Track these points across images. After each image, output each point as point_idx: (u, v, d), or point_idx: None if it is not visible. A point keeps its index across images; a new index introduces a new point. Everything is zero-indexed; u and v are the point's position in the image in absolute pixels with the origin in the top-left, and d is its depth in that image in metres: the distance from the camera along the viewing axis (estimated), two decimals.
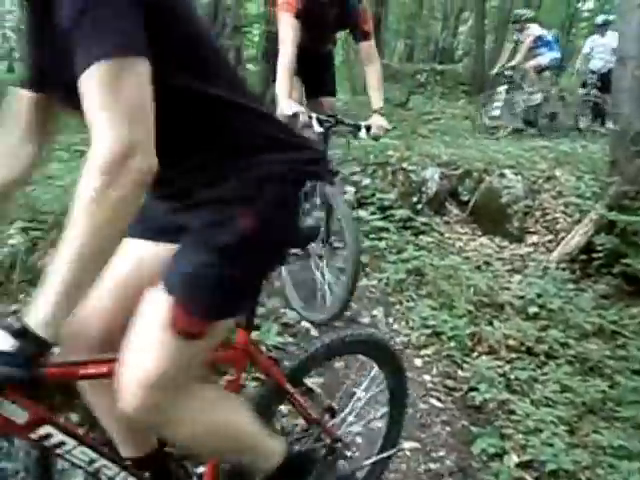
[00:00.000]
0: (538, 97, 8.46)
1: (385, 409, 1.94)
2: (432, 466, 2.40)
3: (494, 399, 2.76)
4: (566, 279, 3.92)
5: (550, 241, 4.61)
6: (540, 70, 8.78)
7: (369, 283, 3.80)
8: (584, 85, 9.05)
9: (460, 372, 3.04)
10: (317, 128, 2.93)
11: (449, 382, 2.96)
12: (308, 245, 2.93)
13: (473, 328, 3.31)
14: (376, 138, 3.25)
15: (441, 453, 2.49)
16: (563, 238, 4.41)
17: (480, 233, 4.85)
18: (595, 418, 2.73)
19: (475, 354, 3.18)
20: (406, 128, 7.77)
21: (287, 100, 2.94)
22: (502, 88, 8.58)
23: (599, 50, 8.74)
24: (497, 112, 8.51)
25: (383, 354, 1.79)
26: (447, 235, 4.68)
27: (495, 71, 9.08)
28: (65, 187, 2.37)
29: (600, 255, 3.97)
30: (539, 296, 3.63)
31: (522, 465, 2.40)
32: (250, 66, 12.22)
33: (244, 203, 1.16)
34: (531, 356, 3.17)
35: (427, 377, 2.97)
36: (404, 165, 5.06)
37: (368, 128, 3.14)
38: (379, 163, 5.07)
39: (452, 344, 3.18)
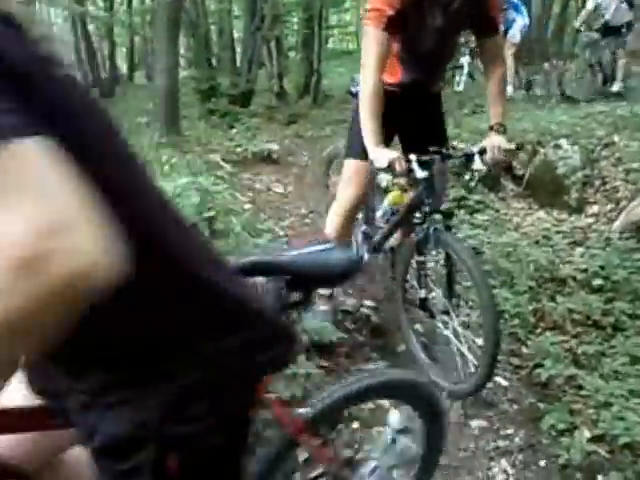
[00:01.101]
0: None
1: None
2: (501, 443, 2.41)
3: (561, 375, 2.73)
4: (630, 249, 3.79)
5: (611, 210, 4.47)
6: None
7: (428, 265, 3.80)
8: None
9: (525, 349, 3.02)
10: (420, 174, 2.37)
11: (514, 360, 2.94)
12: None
13: (535, 304, 3.28)
14: (494, 166, 2.72)
15: (509, 431, 2.49)
16: (625, 207, 4.27)
17: (537, 207, 4.76)
18: None
19: (539, 330, 3.14)
20: (452, 104, 7.66)
21: (378, 149, 2.33)
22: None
23: (605, 4, 8.24)
24: None
25: (422, 401, 1.55)
26: (503, 211, 4.62)
27: None
28: None
29: None
30: (602, 268, 3.53)
31: (594, 439, 2.37)
32: (292, 53, 12.31)
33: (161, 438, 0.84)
34: (598, 329, 3.10)
35: None
36: (454, 143, 5.01)
37: (482, 152, 2.49)
38: None
39: (515, 321, 3.15)
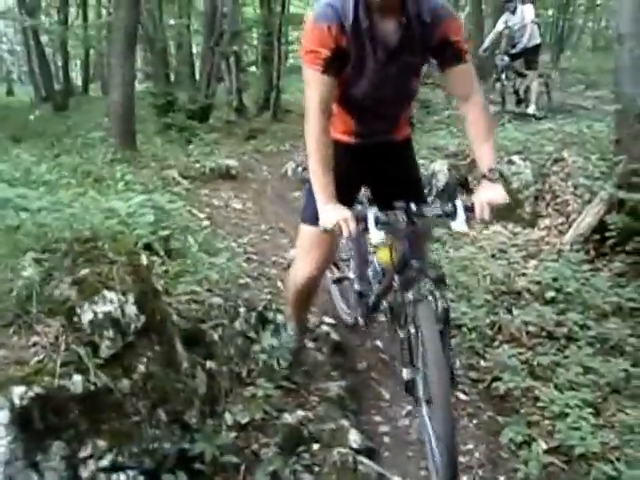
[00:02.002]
0: None
1: None
2: (461, 459, 2.41)
3: (518, 387, 2.77)
4: (581, 260, 3.90)
5: (562, 224, 4.59)
6: None
7: None
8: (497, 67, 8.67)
9: (483, 362, 3.05)
10: (375, 237, 1.93)
11: (473, 374, 2.97)
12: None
13: (492, 317, 3.33)
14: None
15: (470, 446, 2.51)
16: (575, 220, 4.39)
17: (493, 221, 4.84)
18: (620, 398, 2.71)
19: (496, 343, 3.19)
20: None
21: (327, 207, 1.97)
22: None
23: (515, 29, 8.34)
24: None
25: None
26: None
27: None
28: (75, 213, 2.41)
29: (613, 234, 3.94)
30: (555, 280, 3.62)
31: (551, 451, 2.41)
32: (252, 69, 12.33)
33: None
34: (552, 340, 3.16)
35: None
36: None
37: (469, 209, 2.00)
38: None
39: (473, 335, 3.19)
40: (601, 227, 4.07)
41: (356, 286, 2.98)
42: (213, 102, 8.69)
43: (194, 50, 14.17)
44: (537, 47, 8.54)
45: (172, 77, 12.00)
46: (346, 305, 3.18)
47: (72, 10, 19.41)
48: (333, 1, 1.93)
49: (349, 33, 1.94)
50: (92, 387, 1.68)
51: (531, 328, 3.24)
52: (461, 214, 1.96)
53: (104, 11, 20.07)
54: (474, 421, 2.67)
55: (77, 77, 24.23)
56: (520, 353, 3.05)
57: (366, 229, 1.93)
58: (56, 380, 1.60)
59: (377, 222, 1.93)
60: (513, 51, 8.45)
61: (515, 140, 5.54)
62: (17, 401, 1.51)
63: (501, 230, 4.69)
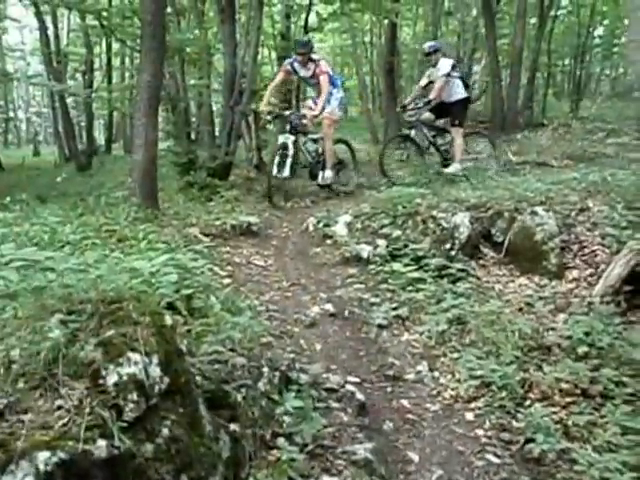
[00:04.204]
0: None
1: None
2: None
3: (553, 449, 2.66)
4: (613, 313, 3.79)
5: (591, 275, 4.50)
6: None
7: (410, 337, 3.75)
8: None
9: (515, 422, 2.94)
10: None
11: (504, 435, 2.86)
12: None
13: (523, 374, 3.22)
14: None
15: None
16: (603, 271, 4.30)
17: (518, 273, 4.77)
18: None
19: (528, 402, 3.08)
20: (431, 174, 7.79)
21: None
22: None
23: (442, 82, 7.76)
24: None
25: None
26: (485, 279, 4.62)
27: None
28: (100, 274, 2.41)
29: None
30: (587, 334, 3.51)
31: None
32: (271, 126, 12.58)
33: None
34: (587, 399, 3.05)
35: (480, 432, 2.88)
36: (433, 213, 5.07)
37: None
38: (408, 213, 5.08)
39: (503, 393, 3.09)
40: (632, 278, 3.98)
41: None
42: (233, 160, 8.80)
43: (214, 109, 14.51)
44: (461, 102, 8.00)
45: (193, 136, 12.25)
46: None
47: (97, 73, 20.16)
48: None
49: None
50: (116, 452, 1.64)
51: (564, 385, 3.13)
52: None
53: (127, 74, 20.83)
54: None
55: (100, 137, 24.91)
56: (554, 412, 2.95)
57: None
58: (80, 444, 1.56)
59: None
60: (420, 106, 7.98)
61: (537, 191, 5.50)
62: (42, 467, 1.48)
63: (527, 283, 4.61)
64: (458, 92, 7.99)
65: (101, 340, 1.83)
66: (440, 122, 8.31)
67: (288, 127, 7.62)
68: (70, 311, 1.99)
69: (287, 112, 8.17)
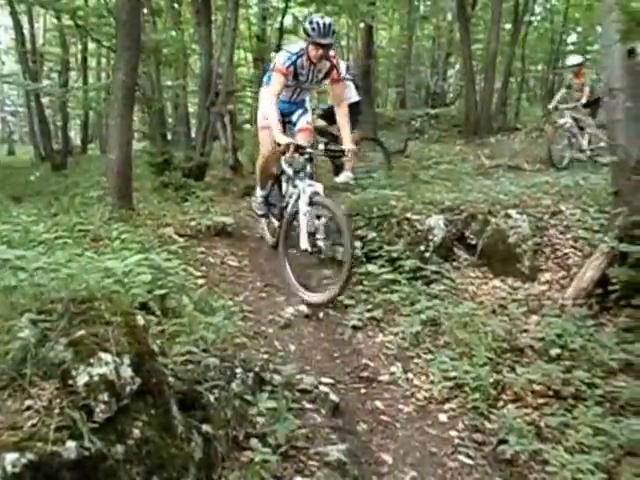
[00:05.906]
0: None
1: None
2: None
3: (526, 450, 2.68)
4: (584, 315, 3.84)
5: (564, 277, 4.56)
6: None
7: (385, 339, 3.76)
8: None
9: (488, 424, 2.96)
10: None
11: (477, 436, 2.88)
12: None
13: (496, 376, 3.24)
14: None
15: None
16: (576, 274, 4.36)
17: (491, 276, 4.81)
18: (634, 460, 2.62)
19: (501, 403, 3.10)
20: (406, 176, 7.82)
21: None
22: None
23: None
24: None
25: None
26: (459, 281, 4.64)
27: None
28: (72, 273, 2.37)
29: (616, 288, 3.90)
30: (559, 336, 3.55)
31: None
32: (247, 126, 12.54)
33: None
34: (559, 400, 3.08)
35: (454, 433, 2.90)
36: (408, 215, 5.08)
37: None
38: (383, 215, 5.08)
39: (476, 395, 3.10)
40: (604, 281, 4.04)
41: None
42: (209, 160, 8.74)
43: (190, 110, 14.41)
44: (352, 106, 5.98)
45: (169, 137, 12.15)
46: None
47: (72, 73, 19.88)
48: None
49: None
50: (86, 453, 1.60)
51: (536, 387, 3.16)
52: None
53: (103, 74, 20.58)
54: None
55: (76, 137, 24.57)
56: (526, 414, 2.98)
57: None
58: (49, 446, 1.53)
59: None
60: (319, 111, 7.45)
61: (511, 194, 5.56)
62: (9, 468, 1.45)
63: (500, 285, 4.65)
64: (349, 95, 6.89)
65: (72, 340, 1.80)
66: (333, 128, 6.66)
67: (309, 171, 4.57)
68: (40, 311, 1.95)
69: (321, 146, 4.94)
